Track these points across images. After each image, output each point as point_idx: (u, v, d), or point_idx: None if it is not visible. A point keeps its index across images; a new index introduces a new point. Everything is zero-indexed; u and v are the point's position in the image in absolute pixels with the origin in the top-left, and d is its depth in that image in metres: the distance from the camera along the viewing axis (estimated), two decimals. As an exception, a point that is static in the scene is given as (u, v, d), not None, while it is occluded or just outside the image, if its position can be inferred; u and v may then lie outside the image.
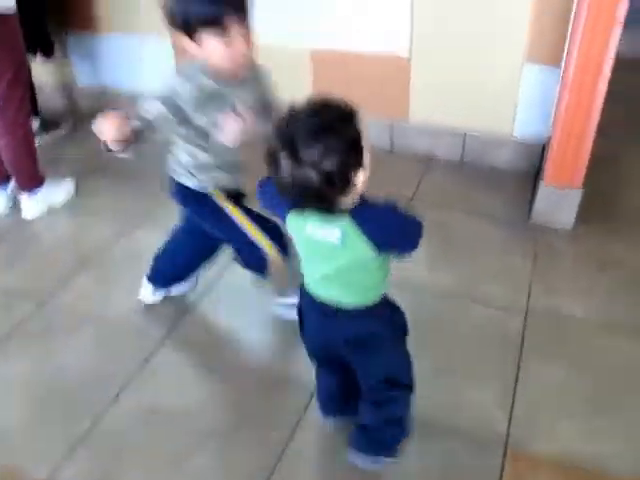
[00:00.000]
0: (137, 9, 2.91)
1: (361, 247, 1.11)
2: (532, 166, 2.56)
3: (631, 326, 1.86)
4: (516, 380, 1.69)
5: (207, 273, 2.03)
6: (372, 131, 2.88)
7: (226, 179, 1.67)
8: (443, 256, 2.17)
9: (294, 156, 0.98)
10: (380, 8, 2.50)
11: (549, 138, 2.37)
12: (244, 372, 1.76)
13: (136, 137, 1.35)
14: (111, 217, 2.48)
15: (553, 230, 2.27)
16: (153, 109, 1.40)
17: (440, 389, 1.65)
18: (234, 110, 1.51)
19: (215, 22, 1.34)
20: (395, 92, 2.68)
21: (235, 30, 1.37)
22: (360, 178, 1.05)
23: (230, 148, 1.57)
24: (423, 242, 1.18)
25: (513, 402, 1.62)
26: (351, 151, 1.01)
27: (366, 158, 1.06)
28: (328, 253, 1.16)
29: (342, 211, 1.08)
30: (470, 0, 2.37)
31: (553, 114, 2.35)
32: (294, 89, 2.77)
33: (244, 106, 1.53)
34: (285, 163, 0.99)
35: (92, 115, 1.35)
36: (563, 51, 2.27)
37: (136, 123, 1.36)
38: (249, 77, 1.55)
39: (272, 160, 1.01)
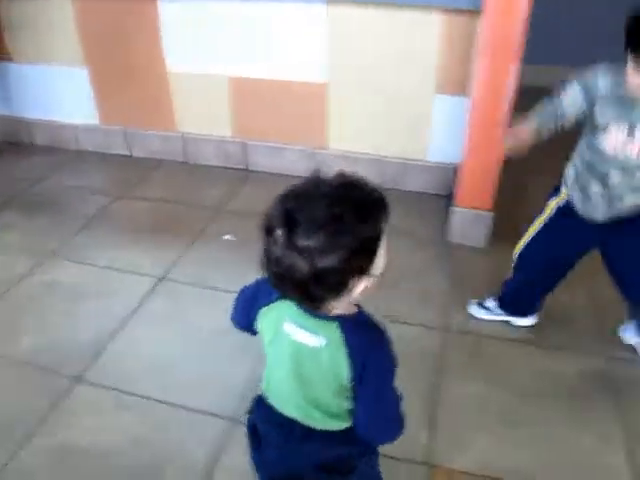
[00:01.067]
0: (49, 39, 2.87)
1: (339, 366, 0.93)
2: (446, 189, 2.68)
3: (545, 341, 1.96)
4: (436, 397, 1.74)
5: (118, 309, 2.00)
6: (292, 159, 2.96)
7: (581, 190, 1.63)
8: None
9: (289, 236, 0.80)
10: (297, 37, 2.58)
11: (460, 163, 2.50)
12: (162, 408, 1.72)
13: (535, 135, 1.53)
14: (21, 252, 2.38)
15: (468, 249, 2.38)
16: (569, 91, 1.49)
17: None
18: (630, 128, 1.44)
19: None
20: (314, 120, 2.75)
21: None
22: (361, 286, 0.86)
23: (606, 160, 1.51)
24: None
25: (435, 418, 1.67)
26: (359, 254, 0.82)
27: (377, 266, 0.87)
28: (304, 359, 0.96)
29: (329, 317, 0.92)
30: (383, 34, 2.48)
31: (464, 139, 2.48)
32: (212, 116, 2.84)
33: None
34: (278, 240, 0.81)
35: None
36: (469, 82, 2.41)
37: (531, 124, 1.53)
38: None
39: (266, 230, 0.84)
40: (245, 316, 1.07)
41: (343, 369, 0.93)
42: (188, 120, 2.94)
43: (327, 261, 0.79)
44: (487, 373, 1.83)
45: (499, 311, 2.01)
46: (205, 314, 2.05)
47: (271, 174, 2.91)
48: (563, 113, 1.52)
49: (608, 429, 1.66)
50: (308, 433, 1.03)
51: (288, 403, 1.04)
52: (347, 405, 0.99)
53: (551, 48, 3.79)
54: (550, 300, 1.96)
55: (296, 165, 2.87)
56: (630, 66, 1.34)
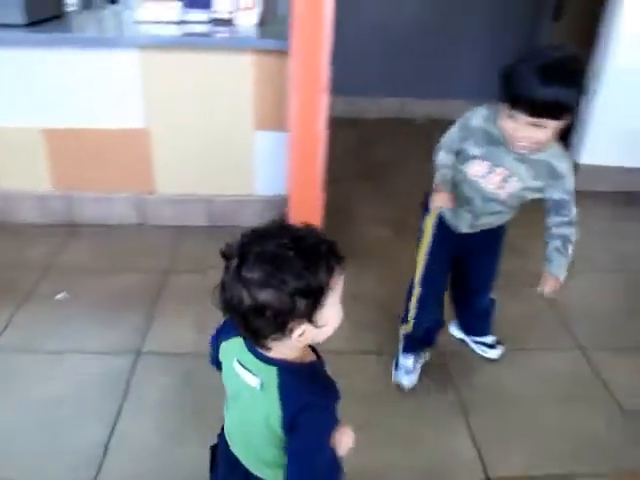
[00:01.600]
0: None
1: (271, 413, 0.93)
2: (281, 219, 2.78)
3: (380, 350, 2.10)
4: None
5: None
6: (120, 207, 2.88)
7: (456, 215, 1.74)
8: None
9: (238, 267, 0.85)
10: (112, 84, 2.54)
11: (287, 194, 2.62)
12: None
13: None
14: None
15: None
16: (448, 135, 1.65)
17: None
18: (491, 166, 1.56)
19: None
20: (139, 166, 2.71)
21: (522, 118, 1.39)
22: (302, 333, 0.88)
23: (479, 191, 1.62)
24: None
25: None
26: (299, 298, 0.84)
27: (323, 317, 0.88)
28: (244, 398, 0.98)
29: (271, 361, 0.93)
30: (198, 77, 2.55)
31: (287, 172, 2.62)
32: (30, 171, 2.67)
33: (507, 173, 1.55)
34: (230, 269, 0.87)
35: None
36: (286, 117, 2.56)
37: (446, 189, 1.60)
38: (539, 161, 1.53)
39: (224, 258, 0.89)
40: (215, 351, 1.07)
41: (274, 417, 0.92)
42: (5, 177, 2.73)
43: (265, 295, 0.83)
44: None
45: (417, 360, 1.98)
46: (36, 381, 1.89)
47: (99, 225, 2.79)
48: (451, 150, 1.65)
49: (451, 420, 1.82)
50: (246, 477, 1.03)
51: (233, 442, 1.05)
52: (282, 456, 0.95)
53: (358, 81, 4.18)
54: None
55: (125, 214, 2.79)
56: (502, 112, 1.44)
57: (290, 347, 0.92)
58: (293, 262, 0.84)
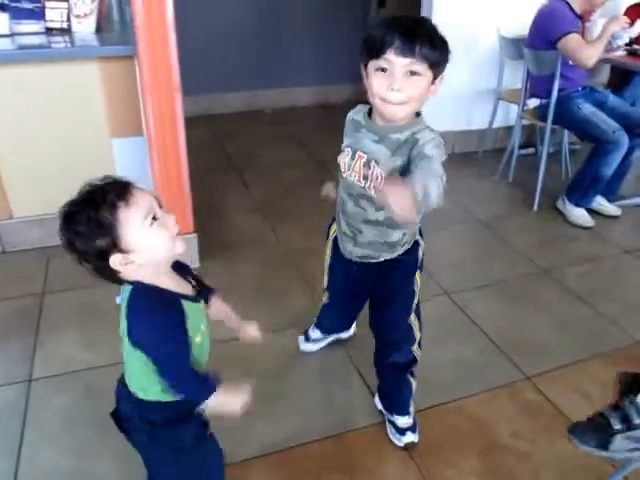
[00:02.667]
0: None
1: (124, 328, 1.11)
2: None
3: (276, 327, 2.21)
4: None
5: None
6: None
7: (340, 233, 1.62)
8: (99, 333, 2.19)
9: (61, 232, 1.06)
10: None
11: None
12: None
13: None
14: None
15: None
16: None
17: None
18: (355, 153, 1.44)
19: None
20: (-12, 191, 2.56)
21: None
22: (123, 261, 1.05)
23: (349, 188, 1.48)
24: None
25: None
26: (97, 239, 1.02)
27: (130, 243, 1.04)
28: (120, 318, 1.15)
29: (130, 281, 1.10)
30: (44, 90, 2.46)
31: (151, 175, 2.62)
32: None
33: (366, 157, 1.41)
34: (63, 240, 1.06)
35: None
36: (142, 122, 2.56)
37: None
38: (398, 138, 1.37)
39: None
40: None
41: (124, 329, 1.10)
42: None
43: (78, 246, 1.04)
44: (235, 371, 2.01)
45: (323, 336, 2.07)
46: None
47: (-47, 259, 2.61)
48: None
49: (346, 374, 2.00)
50: (124, 387, 1.21)
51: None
52: (132, 361, 1.14)
53: (203, 79, 4.21)
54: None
55: (-20, 244, 2.63)
56: (370, 72, 1.32)
57: (143, 273, 1.09)
58: (80, 213, 1.03)
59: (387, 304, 1.63)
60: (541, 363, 2.06)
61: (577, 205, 3.06)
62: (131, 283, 1.10)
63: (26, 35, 2.53)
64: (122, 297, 1.13)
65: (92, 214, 1.02)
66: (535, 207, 3.20)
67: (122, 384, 1.22)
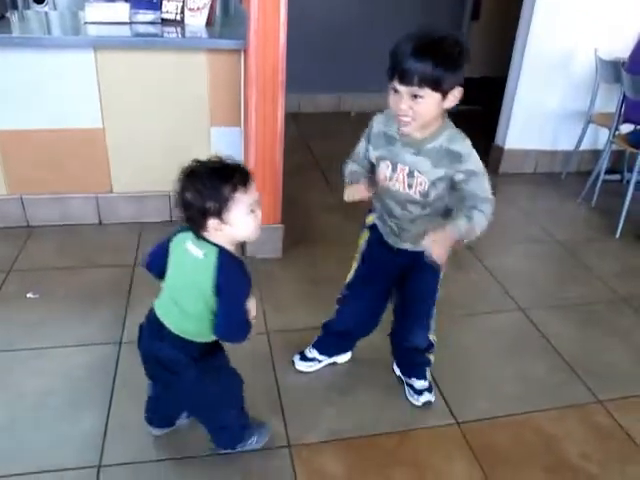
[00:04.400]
0: None
1: (208, 276, 1.35)
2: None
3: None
4: (277, 388, 1.94)
5: None
6: (76, 207, 2.89)
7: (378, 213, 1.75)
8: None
9: (181, 180, 1.32)
10: (67, 84, 2.58)
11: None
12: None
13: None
14: None
15: (267, 261, 2.63)
16: (360, 142, 1.70)
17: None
18: (393, 164, 1.57)
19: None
20: (95, 166, 2.75)
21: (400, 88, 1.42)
22: (218, 227, 1.32)
23: (394, 196, 1.61)
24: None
25: (282, 408, 1.86)
26: (209, 201, 1.28)
27: (230, 218, 1.31)
28: (187, 269, 1.40)
29: (213, 243, 1.36)
30: (154, 76, 2.63)
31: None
32: None
33: (408, 169, 1.54)
34: (178, 183, 1.32)
35: None
36: (240, 114, 2.69)
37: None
38: (434, 149, 1.51)
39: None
40: (155, 256, 1.50)
41: (209, 280, 1.35)
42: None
43: (188, 196, 1.30)
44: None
45: (322, 357, 2.05)
46: (24, 378, 1.93)
47: (55, 226, 2.81)
48: (362, 161, 1.68)
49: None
50: (161, 333, 1.44)
51: (164, 309, 1.45)
52: (205, 311, 1.40)
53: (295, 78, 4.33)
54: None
55: (81, 213, 2.83)
56: (389, 90, 1.45)
57: (222, 239, 1.36)
58: (207, 178, 1.30)
59: (417, 293, 1.80)
60: (614, 389, 2.04)
61: (663, 236, 2.99)
62: (214, 244, 1.36)
63: (143, 24, 2.72)
64: (194, 256, 1.37)
65: (217, 183, 1.29)
66: (617, 234, 3.13)
67: (164, 337, 1.44)
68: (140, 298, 2.34)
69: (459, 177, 1.49)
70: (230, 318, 1.40)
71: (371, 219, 1.80)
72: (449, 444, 1.78)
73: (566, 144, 3.83)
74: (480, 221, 1.49)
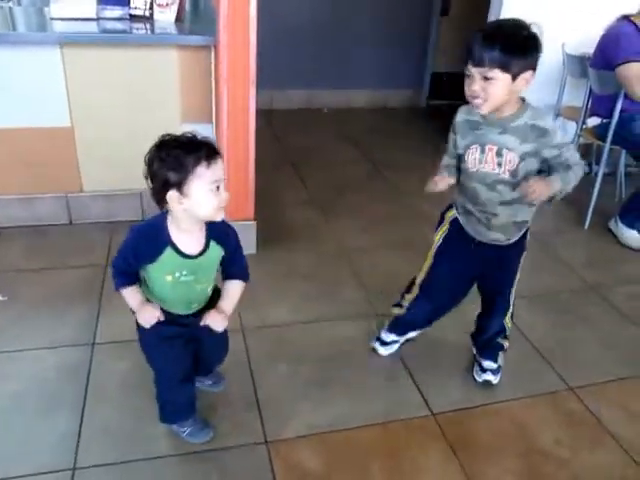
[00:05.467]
0: None
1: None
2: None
3: (329, 316, 2.31)
4: (253, 383, 1.94)
5: None
6: (45, 207, 2.84)
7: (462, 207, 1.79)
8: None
9: (149, 152, 1.34)
10: (33, 82, 2.53)
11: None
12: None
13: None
14: None
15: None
16: (450, 135, 1.74)
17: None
18: (482, 147, 1.63)
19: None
20: (64, 165, 2.71)
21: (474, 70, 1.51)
22: (176, 199, 1.33)
23: (482, 179, 1.66)
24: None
25: (258, 404, 1.86)
26: (171, 172, 1.30)
27: (191, 191, 1.32)
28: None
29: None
30: (123, 72, 2.59)
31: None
32: None
33: (497, 148, 1.60)
34: (147, 158, 1.35)
35: None
36: (212, 111, 2.67)
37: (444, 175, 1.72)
38: (519, 126, 1.58)
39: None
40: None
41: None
42: None
43: (154, 168, 1.32)
44: (288, 355, 2.10)
45: (398, 338, 2.11)
46: (-2, 380, 1.90)
47: (24, 227, 2.76)
48: (453, 154, 1.75)
49: (395, 372, 2.07)
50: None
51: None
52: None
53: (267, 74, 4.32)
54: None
55: (51, 213, 2.78)
56: (465, 79, 1.55)
57: (183, 215, 1.37)
58: (173, 149, 1.30)
59: (501, 275, 1.89)
60: (584, 376, 2.09)
61: (630, 227, 3.06)
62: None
63: (111, 20, 2.68)
64: None
65: (181, 155, 1.30)
66: (587, 225, 3.20)
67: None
68: (112, 298, 2.31)
69: (552, 153, 1.59)
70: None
71: (451, 213, 1.84)
72: (425, 435, 1.80)
73: (535, 138, 3.88)
74: (573, 181, 1.60)
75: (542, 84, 3.71)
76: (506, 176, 1.62)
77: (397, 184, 3.55)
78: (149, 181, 1.35)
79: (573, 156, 1.61)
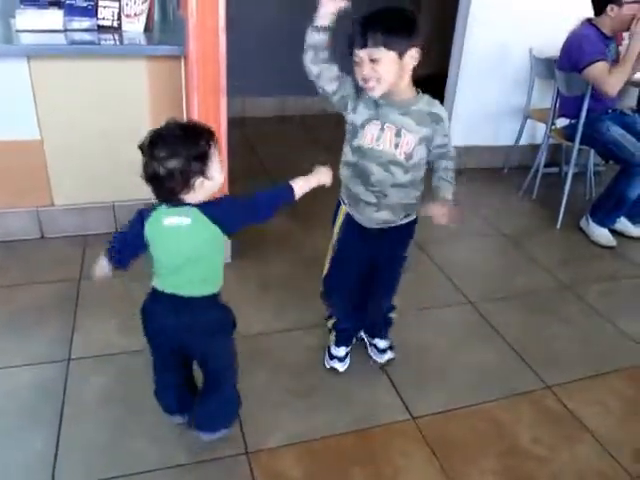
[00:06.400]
0: None
1: (210, 229, 1.40)
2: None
3: (306, 324, 2.31)
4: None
5: None
6: (15, 222, 2.79)
7: (350, 196, 1.82)
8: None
9: (151, 151, 1.30)
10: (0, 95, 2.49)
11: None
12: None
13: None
14: None
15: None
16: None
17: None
18: (382, 125, 1.66)
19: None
20: (34, 179, 2.66)
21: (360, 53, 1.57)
22: (201, 184, 1.35)
23: (378, 157, 1.69)
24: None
25: (238, 415, 1.84)
26: (193, 161, 1.31)
27: (210, 171, 1.36)
28: (181, 239, 1.42)
29: (190, 205, 1.38)
30: (92, 84, 2.57)
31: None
32: None
33: (396, 128, 1.65)
34: (147, 157, 1.31)
35: None
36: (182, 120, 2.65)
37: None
38: (419, 111, 1.65)
39: (141, 150, 1.33)
40: (132, 245, 1.49)
41: (212, 233, 1.41)
42: None
43: (172, 163, 1.30)
44: (267, 364, 2.09)
45: (348, 349, 2.10)
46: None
47: (-3, 243, 2.71)
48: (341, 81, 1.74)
49: (373, 377, 2.07)
50: (187, 305, 1.47)
51: (176, 282, 1.47)
52: (218, 261, 1.52)
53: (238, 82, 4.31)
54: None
55: (21, 228, 2.72)
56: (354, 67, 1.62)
57: (201, 196, 1.39)
58: (184, 140, 1.32)
59: (389, 265, 1.93)
60: (561, 374, 2.11)
61: (600, 225, 3.12)
62: (189, 205, 1.38)
63: (78, 32, 2.65)
64: (183, 226, 1.40)
65: (193, 143, 1.32)
66: (558, 225, 3.25)
67: (192, 306, 1.48)
68: (87, 313, 2.28)
69: (443, 141, 1.69)
70: (252, 212, 1.53)
71: (344, 209, 1.87)
72: (405, 439, 1.80)
73: (506, 139, 3.95)
74: (452, 179, 1.73)
75: (510, 87, 3.82)
76: (401, 158, 1.67)
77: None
78: (161, 182, 1.32)
79: (452, 149, 1.74)
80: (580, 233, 3.20)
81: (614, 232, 3.14)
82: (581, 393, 2.03)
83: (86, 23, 2.67)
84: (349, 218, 1.85)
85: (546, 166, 3.63)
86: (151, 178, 1.33)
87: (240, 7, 4.36)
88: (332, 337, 2.10)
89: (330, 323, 2.10)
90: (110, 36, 2.66)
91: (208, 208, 1.40)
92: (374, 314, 2.07)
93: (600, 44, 2.97)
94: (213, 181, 1.38)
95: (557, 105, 3.33)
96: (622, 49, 3.11)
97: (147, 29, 2.75)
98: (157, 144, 1.31)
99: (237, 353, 1.65)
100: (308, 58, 1.72)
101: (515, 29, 3.64)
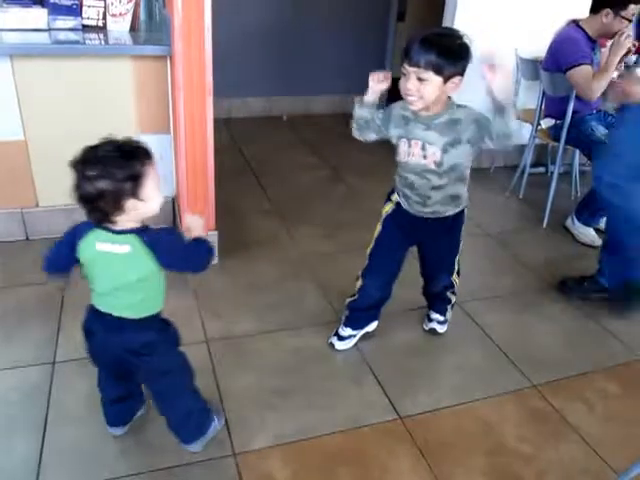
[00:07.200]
0: None
1: (149, 261, 1.37)
2: (167, 221, 2.84)
3: (288, 327, 2.30)
4: (220, 395, 1.91)
5: None
6: (0, 223, 2.74)
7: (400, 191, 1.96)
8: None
9: (83, 169, 1.26)
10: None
11: (177, 193, 2.71)
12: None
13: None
14: None
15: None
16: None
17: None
18: (409, 141, 1.81)
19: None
20: (18, 180, 2.63)
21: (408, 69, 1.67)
22: (134, 205, 1.30)
23: (413, 169, 1.85)
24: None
25: (225, 416, 1.83)
26: (126, 181, 1.26)
27: (144, 193, 1.30)
28: (115, 267, 1.38)
29: (127, 231, 1.34)
30: (77, 84, 2.54)
31: (174, 171, 2.71)
32: None
33: (421, 143, 1.77)
34: (77, 176, 1.26)
35: None
36: (169, 121, 2.64)
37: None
38: (440, 123, 1.75)
39: (72, 168, 1.28)
40: (65, 257, 1.44)
41: (149, 265, 1.37)
42: None
43: (102, 184, 1.25)
44: (254, 365, 2.08)
45: (356, 332, 2.19)
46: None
47: (-21, 244, 2.68)
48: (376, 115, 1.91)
49: (360, 376, 2.07)
50: (119, 324, 1.44)
51: (104, 302, 1.45)
52: (150, 285, 1.44)
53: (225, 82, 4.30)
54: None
55: (5, 229, 2.70)
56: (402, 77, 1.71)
57: (132, 219, 1.34)
58: (117, 160, 1.26)
59: (442, 244, 2.07)
60: (547, 373, 2.13)
61: (586, 224, 3.14)
62: (128, 232, 1.35)
63: (63, 31, 2.62)
64: (120, 254, 1.36)
65: (126, 163, 1.27)
66: (544, 224, 3.28)
67: (123, 327, 1.45)
68: (73, 315, 2.25)
69: (476, 126, 1.72)
70: (192, 260, 1.47)
71: (395, 197, 2.00)
72: (393, 439, 1.80)
73: (493, 140, 3.95)
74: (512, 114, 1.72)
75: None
76: (432, 166, 1.80)
77: (357, 188, 3.58)
78: (90, 202, 1.28)
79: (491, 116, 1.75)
80: (566, 232, 3.22)
81: (599, 231, 3.17)
82: (567, 392, 2.05)
83: (71, 22, 2.63)
84: (399, 206, 1.98)
85: (532, 166, 3.66)
86: (81, 198, 1.28)
87: (226, 6, 4.38)
88: (343, 317, 2.19)
89: (348, 300, 2.18)
90: (95, 35, 2.63)
91: (148, 238, 1.36)
92: (433, 287, 2.22)
93: (586, 47, 2.99)
94: (148, 203, 1.32)
95: (543, 106, 3.36)
96: (601, 56, 3.14)
97: (133, 28, 2.72)
98: (89, 163, 1.26)
99: (188, 363, 1.63)
100: (357, 132, 1.93)
101: (502, 30, 3.66)
